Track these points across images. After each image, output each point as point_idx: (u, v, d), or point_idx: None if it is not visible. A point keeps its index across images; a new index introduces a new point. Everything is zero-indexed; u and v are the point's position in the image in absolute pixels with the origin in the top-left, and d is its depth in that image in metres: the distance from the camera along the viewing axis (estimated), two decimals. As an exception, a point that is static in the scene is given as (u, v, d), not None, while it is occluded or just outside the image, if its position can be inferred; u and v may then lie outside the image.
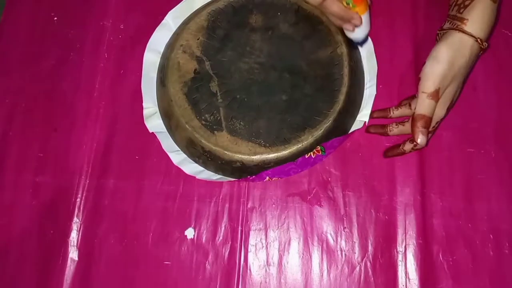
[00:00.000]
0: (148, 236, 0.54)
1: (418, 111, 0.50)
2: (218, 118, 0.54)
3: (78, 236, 0.55)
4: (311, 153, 0.53)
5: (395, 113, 0.55)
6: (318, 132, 0.52)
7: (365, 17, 0.52)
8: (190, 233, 0.54)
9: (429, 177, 0.55)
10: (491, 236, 0.53)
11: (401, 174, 0.55)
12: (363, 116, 0.56)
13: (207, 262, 0.54)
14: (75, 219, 0.55)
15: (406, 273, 0.52)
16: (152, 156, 0.57)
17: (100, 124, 0.58)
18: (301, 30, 0.56)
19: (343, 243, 0.53)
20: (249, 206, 0.55)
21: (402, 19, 0.60)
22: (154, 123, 0.58)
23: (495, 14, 0.49)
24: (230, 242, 0.54)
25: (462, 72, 0.50)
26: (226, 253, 0.54)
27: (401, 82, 0.58)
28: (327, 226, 0.54)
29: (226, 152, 0.53)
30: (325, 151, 0.54)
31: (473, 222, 0.53)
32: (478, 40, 0.48)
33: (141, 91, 0.59)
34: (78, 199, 0.56)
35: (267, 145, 0.53)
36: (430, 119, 0.50)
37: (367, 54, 0.58)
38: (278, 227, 0.54)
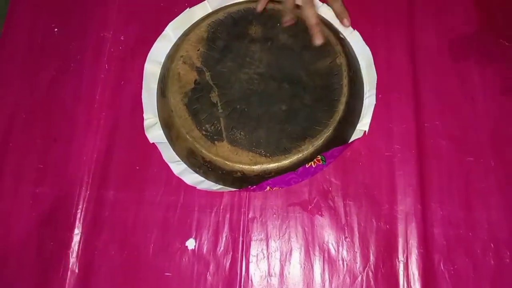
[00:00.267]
0: (148, 247, 0.54)
1: None
2: (219, 128, 0.54)
3: (78, 248, 0.54)
4: (312, 162, 0.53)
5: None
6: (318, 142, 0.53)
7: None
8: (191, 243, 0.54)
9: (429, 186, 0.55)
10: (491, 245, 0.53)
11: (401, 183, 0.55)
12: (363, 125, 0.57)
13: (208, 273, 0.53)
14: (75, 230, 0.55)
15: (408, 282, 0.52)
16: (153, 167, 0.57)
17: (101, 135, 0.58)
18: (300, 41, 0.57)
19: (344, 252, 0.53)
20: (250, 216, 0.55)
21: (399, 30, 0.61)
22: (155, 133, 0.58)
23: None
24: (231, 253, 0.54)
25: None
26: (227, 264, 0.54)
27: (399, 91, 0.58)
28: (328, 236, 0.54)
29: (226, 162, 0.53)
30: (325, 160, 0.54)
31: (474, 231, 0.53)
32: None
33: (141, 102, 0.59)
34: (79, 210, 0.55)
35: (268, 155, 0.53)
36: None
37: (366, 64, 0.59)
38: (279, 237, 0.54)
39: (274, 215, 0.55)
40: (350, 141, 0.56)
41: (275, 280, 0.53)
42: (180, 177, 0.56)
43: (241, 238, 0.54)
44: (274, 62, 0.56)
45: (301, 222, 0.55)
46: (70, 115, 0.60)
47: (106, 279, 0.53)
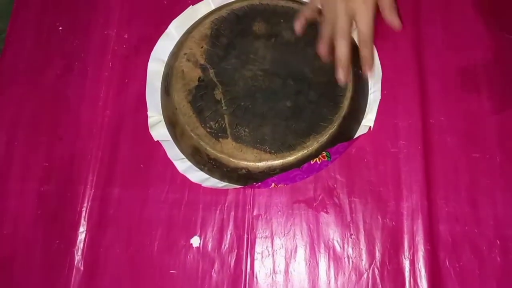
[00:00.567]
0: (153, 245, 0.54)
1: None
2: (223, 125, 0.54)
3: (84, 246, 0.54)
4: (317, 159, 0.53)
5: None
6: (323, 138, 0.53)
7: None
8: (195, 241, 0.54)
9: (434, 183, 0.55)
10: (498, 241, 0.52)
11: (407, 179, 0.55)
12: (368, 121, 0.56)
13: (213, 270, 0.53)
14: (80, 228, 0.55)
15: (414, 279, 0.52)
16: (157, 165, 0.57)
17: (105, 133, 0.58)
18: (305, 37, 0.56)
19: (350, 250, 0.53)
20: (254, 213, 0.55)
21: (404, 24, 0.60)
22: (159, 131, 0.58)
23: None
24: (236, 250, 0.54)
25: None
26: (232, 261, 0.53)
27: (405, 87, 0.58)
28: (333, 233, 0.54)
29: (231, 159, 0.53)
30: (330, 156, 0.54)
31: (480, 228, 0.53)
32: None
33: (145, 100, 0.59)
34: (84, 208, 0.56)
35: (273, 151, 0.53)
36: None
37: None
38: (284, 235, 0.54)
39: (279, 212, 0.55)
40: (355, 137, 0.56)
41: (280, 278, 0.53)
42: (185, 174, 0.56)
43: (246, 236, 0.54)
44: (278, 59, 0.56)
45: (306, 219, 0.54)
46: (74, 113, 0.60)
47: (111, 277, 0.53)
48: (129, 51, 0.62)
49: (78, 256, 0.54)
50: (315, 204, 0.55)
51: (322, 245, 0.54)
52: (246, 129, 0.53)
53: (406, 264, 0.52)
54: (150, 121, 0.58)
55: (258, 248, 0.54)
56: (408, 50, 0.59)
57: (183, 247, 0.54)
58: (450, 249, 0.52)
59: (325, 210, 0.55)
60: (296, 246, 0.54)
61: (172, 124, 0.56)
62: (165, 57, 0.60)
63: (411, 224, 0.53)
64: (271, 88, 0.55)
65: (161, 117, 0.59)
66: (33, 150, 0.58)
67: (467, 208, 0.54)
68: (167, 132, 0.58)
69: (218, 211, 0.55)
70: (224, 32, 0.58)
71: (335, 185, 0.55)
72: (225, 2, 0.60)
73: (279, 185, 0.55)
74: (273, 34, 0.57)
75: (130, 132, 0.58)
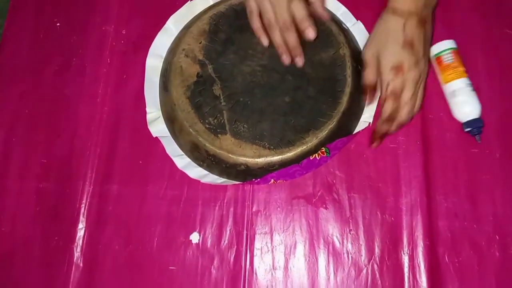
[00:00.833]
0: (152, 241, 0.54)
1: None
2: (222, 121, 0.54)
3: (83, 242, 0.54)
4: (316, 154, 0.53)
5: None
6: (323, 134, 0.52)
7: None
8: (195, 237, 0.54)
9: (433, 178, 0.55)
10: (497, 237, 0.53)
11: (406, 175, 0.55)
12: (367, 117, 0.56)
13: (212, 266, 0.53)
14: (79, 225, 0.55)
15: (413, 275, 0.52)
16: (156, 161, 0.57)
17: (103, 130, 0.58)
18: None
19: (349, 245, 0.53)
20: (254, 209, 0.55)
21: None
22: (158, 127, 0.58)
23: None
24: (235, 246, 0.54)
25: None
26: (232, 258, 0.53)
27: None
28: (333, 229, 0.54)
29: (230, 155, 0.52)
30: (329, 152, 0.54)
31: (479, 223, 0.53)
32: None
33: (144, 96, 0.59)
34: (82, 205, 0.55)
35: (272, 147, 0.52)
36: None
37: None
38: (283, 231, 0.54)
39: (278, 208, 0.55)
40: (354, 132, 0.56)
41: (279, 273, 0.53)
42: (184, 170, 0.56)
43: (245, 232, 0.54)
44: (277, 54, 0.55)
45: (305, 215, 0.54)
46: (73, 110, 0.59)
47: (110, 273, 0.53)
48: (127, 47, 0.62)
49: (77, 253, 0.54)
50: (314, 200, 0.55)
51: (322, 240, 0.54)
52: (245, 125, 0.53)
53: (405, 259, 0.52)
54: (149, 117, 0.58)
55: (257, 244, 0.54)
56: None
57: (182, 243, 0.54)
58: (449, 245, 0.53)
59: (324, 206, 0.54)
60: (296, 242, 0.54)
61: (170, 120, 0.56)
62: (163, 52, 0.60)
63: (410, 219, 0.53)
64: (269, 84, 0.55)
65: (160, 113, 0.58)
66: (32, 147, 0.58)
67: (466, 204, 0.54)
68: (166, 128, 0.58)
69: (217, 207, 0.55)
70: (222, 28, 0.57)
71: (334, 181, 0.55)
72: (223, -3, 0.60)
73: (278, 181, 0.54)
74: (271, 29, 0.57)
75: (128, 128, 0.58)
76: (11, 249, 0.55)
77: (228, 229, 0.54)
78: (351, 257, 0.53)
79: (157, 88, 0.59)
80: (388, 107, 0.51)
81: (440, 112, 0.56)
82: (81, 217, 0.55)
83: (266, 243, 0.54)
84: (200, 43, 0.57)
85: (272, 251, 0.54)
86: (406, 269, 0.52)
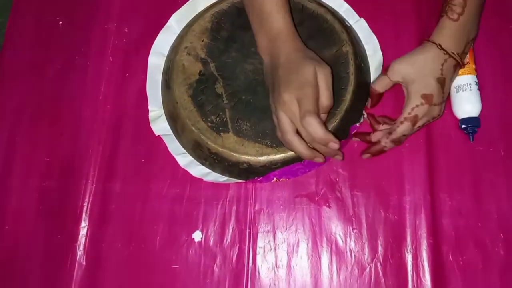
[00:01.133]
0: (155, 240, 0.54)
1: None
2: (224, 119, 0.53)
3: (85, 241, 0.54)
4: (319, 153, 0.53)
5: (376, 136, 0.54)
6: (325, 132, 0.52)
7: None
8: (197, 236, 0.54)
9: (437, 176, 0.54)
10: (501, 235, 0.52)
11: (410, 173, 0.54)
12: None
13: (215, 265, 0.53)
14: (82, 223, 0.55)
15: (417, 273, 0.51)
16: (159, 159, 0.57)
17: (106, 128, 0.58)
18: (306, 30, 0.56)
19: (352, 244, 0.53)
20: (256, 208, 0.55)
21: (407, 15, 0.60)
22: (160, 126, 0.58)
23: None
24: (238, 245, 0.54)
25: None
26: (234, 256, 0.53)
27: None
28: (335, 227, 0.54)
29: (232, 153, 0.52)
30: (332, 151, 0.53)
31: (483, 221, 0.53)
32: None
33: (146, 94, 0.59)
34: (85, 203, 0.55)
35: (274, 145, 0.52)
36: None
37: (373, 52, 0.58)
38: (286, 229, 0.54)
39: (281, 207, 0.55)
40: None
41: (282, 272, 0.53)
42: (186, 169, 0.56)
43: (247, 230, 0.54)
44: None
45: (308, 213, 0.54)
46: (75, 108, 0.59)
47: (113, 272, 0.53)
48: (130, 45, 0.62)
49: (80, 251, 0.54)
50: (317, 198, 0.54)
51: (324, 239, 0.53)
52: (247, 123, 0.53)
53: (409, 258, 0.52)
54: (151, 115, 0.58)
55: (260, 242, 0.54)
56: (411, 43, 0.58)
57: (185, 241, 0.54)
58: (453, 243, 0.52)
59: (327, 204, 0.54)
60: (298, 240, 0.53)
61: (173, 118, 0.56)
62: (165, 51, 0.60)
63: (413, 218, 0.53)
64: (272, 82, 0.54)
65: (162, 111, 0.58)
66: (35, 146, 0.58)
67: (470, 202, 0.53)
68: (168, 126, 0.58)
69: (219, 206, 0.55)
70: (224, 26, 0.57)
71: (337, 179, 0.55)
72: (226, -5, 0.60)
73: (281, 180, 0.54)
74: (274, 27, 0.56)
75: (131, 126, 0.58)
76: (14, 247, 0.55)
77: (230, 227, 0.54)
78: (354, 255, 0.53)
79: (159, 86, 0.59)
80: (403, 129, 0.52)
81: (444, 109, 0.56)
82: (83, 216, 0.55)
83: (268, 241, 0.54)
84: (202, 41, 0.57)
85: (275, 250, 0.53)
86: (409, 268, 0.52)
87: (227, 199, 0.55)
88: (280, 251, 0.53)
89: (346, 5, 0.60)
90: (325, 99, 0.47)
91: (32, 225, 0.55)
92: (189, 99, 0.54)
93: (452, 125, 0.55)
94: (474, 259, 0.52)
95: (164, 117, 0.58)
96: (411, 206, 0.53)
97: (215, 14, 0.58)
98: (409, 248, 0.52)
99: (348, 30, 0.56)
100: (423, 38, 0.54)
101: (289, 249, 0.53)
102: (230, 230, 0.54)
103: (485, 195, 0.54)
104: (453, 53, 0.51)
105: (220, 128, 0.53)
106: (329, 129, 0.52)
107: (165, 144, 0.57)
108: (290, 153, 0.52)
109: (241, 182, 0.55)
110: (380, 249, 0.52)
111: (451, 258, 0.52)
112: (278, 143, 0.52)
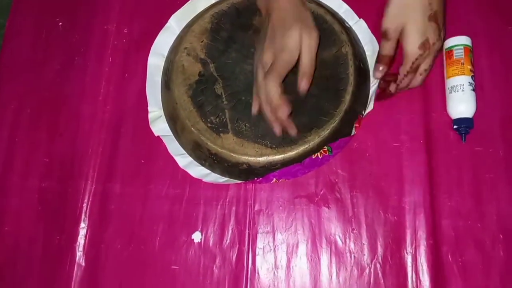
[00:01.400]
0: (154, 240, 0.54)
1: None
2: (224, 120, 0.53)
3: (85, 241, 0.54)
4: (318, 153, 0.53)
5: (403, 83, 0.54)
6: (325, 132, 0.52)
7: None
8: (197, 236, 0.54)
9: (437, 177, 0.54)
10: (501, 236, 0.52)
11: (409, 174, 0.54)
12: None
13: (214, 266, 0.53)
14: (81, 224, 0.55)
15: (416, 274, 0.51)
16: (158, 160, 0.57)
17: (106, 129, 0.58)
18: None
19: (352, 245, 0.53)
20: (256, 208, 0.55)
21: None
22: (160, 126, 0.58)
23: None
24: (237, 246, 0.54)
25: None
26: (234, 257, 0.53)
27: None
28: (335, 228, 0.54)
29: (232, 154, 0.52)
30: (332, 151, 0.53)
31: (483, 222, 0.53)
32: None
33: (146, 94, 0.59)
34: (84, 204, 0.55)
35: (274, 146, 0.52)
36: None
37: (372, 53, 0.58)
38: (285, 230, 0.54)
39: (281, 208, 0.55)
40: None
41: (281, 273, 0.53)
42: (186, 170, 0.56)
43: (247, 231, 0.54)
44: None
45: (308, 214, 0.54)
46: (75, 109, 0.59)
47: (112, 272, 0.53)
48: (129, 45, 0.62)
49: (79, 252, 0.54)
50: (316, 199, 0.54)
51: (324, 240, 0.53)
52: (247, 124, 0.53)
53: (408, 259, 0.52)
54: (151, 116, 0.58)
55: (259, 243, 0.54)
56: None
57: (185, 242, 0.54)
58: (453, 244, 0.52)
59: (326, 205, 0.54)
60: (298, 241, 0.53)
61: (172, 119, 0.56)
62: (165, 51, 0.60)
63: (413, 218, 0.53)
64: (272, 83, 0.54)
65: (162, 112, 0.58)
66: (34, 146, 0.58)
67: (470, 203, 0.53)
68: (168, 127, 0.58)
69: (219, 207, 0.55)
70: (224, 26, 0.57)
71: (336, 180, 0.55)
72: (225, -4, 0.60)
73: (280, 180, 0.54)
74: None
75: (130, 127, 0.58)
76: (13, 248, 0.55)
77: (230, 228, 0.54)
78: (354, 256, 0.52)
79: (159, 87, 0.59)
80: (408, 80, 0.53)
81: (444, 110, 0.56)
82: (83, 216, 0.55)
83: (268, 242, 0.54)
84: (202, 41, 0.57)
85: (274, 250, 0.53)
86: (409, 269, 0.52)
87: (227, 199, 0.55)
88: (280, 252, 0.53)
89: (345, 6, 0.60)
90: (304, 65, 0.48)
91: (32, 225, 0.55)
92: (189, 100, 0.54)
93: (451, 126, 0.55)
94: (474, 259, 0.52)
95: (163, 117, 0.58)
96: (410, 206, 0.53)
97: (215, 14, 0.58)
98: (408, 248, 0.52)
99: (348, 31, 0.56)
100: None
101: (289, 249, 0.53)
102: (230, 231, 0.54)
103: (485, 195, 0.53)
104: None
105: (220, 129, 0.53)
106: (329, 130, 0.52)
107: (165, 145, 0.57)
108: (289, 154, 0.52)
109: (241, 182, 0.55)
110: (379, 249, 0.52)
111: (450, 259, 0.52)
112: (278, 144, 0.52)
